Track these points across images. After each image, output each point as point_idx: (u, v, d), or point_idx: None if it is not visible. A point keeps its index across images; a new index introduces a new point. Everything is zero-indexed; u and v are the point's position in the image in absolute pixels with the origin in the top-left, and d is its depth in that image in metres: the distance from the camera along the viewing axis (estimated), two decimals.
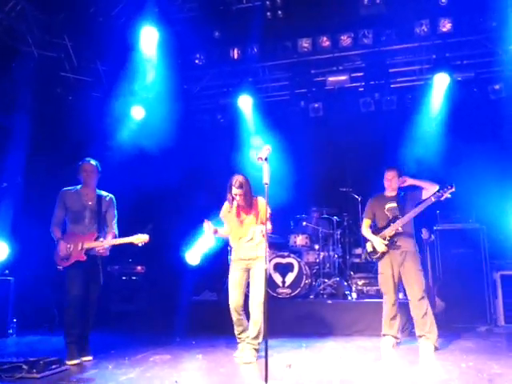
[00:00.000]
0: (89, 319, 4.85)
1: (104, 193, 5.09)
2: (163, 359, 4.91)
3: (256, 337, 4.75)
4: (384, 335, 5.41)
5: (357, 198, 7.60)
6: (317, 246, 7.54)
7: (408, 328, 5.95)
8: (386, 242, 5.33)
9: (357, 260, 7.82)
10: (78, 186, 4.98)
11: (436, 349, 5.09)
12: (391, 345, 5.33)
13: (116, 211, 5.07)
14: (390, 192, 5.56)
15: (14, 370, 4.17)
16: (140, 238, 4.75)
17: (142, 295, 7.55)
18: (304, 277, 6.90)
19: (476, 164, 6.96)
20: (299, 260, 7.08)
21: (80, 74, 7.84)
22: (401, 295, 5.92)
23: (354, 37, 7.46)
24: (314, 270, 7.46)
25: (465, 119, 7.62)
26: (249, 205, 4.87)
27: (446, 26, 7.11)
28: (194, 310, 6.73)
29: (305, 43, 7.61)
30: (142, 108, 8.16)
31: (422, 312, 5.17)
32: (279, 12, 7.10)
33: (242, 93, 8.30)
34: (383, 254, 5.37)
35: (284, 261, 7.06)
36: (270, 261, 7.00)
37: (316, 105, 8.38)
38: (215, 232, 4.94)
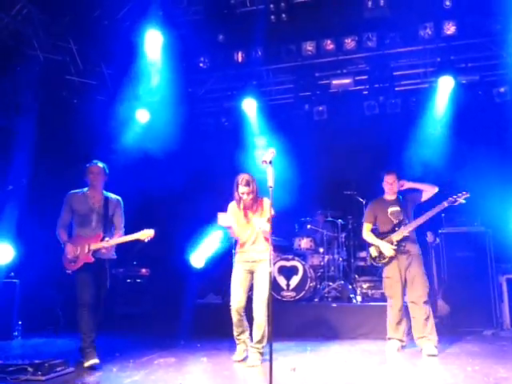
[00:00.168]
0: (95, 322, 4.79)
1: (111, 195, 5.05)
2: (168, 362, 4.91)
3: (260, 340, 4.74)
4: (389, 339, 5.40)
5: (361, 201, 7.59)
6: (321, 249, 7.52)
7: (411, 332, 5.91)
8: (395, 247, 5.31)
9: (361, 263, 7.79)
10: (85, 189, 4.95)
11: (437, 351, 5.08)
12: (396, 348, 5.31)
13: (123, 213, 5.03)
14: (391, 196, 5.55)
15: (20, 373, 4.19)
16: (146, 234, 4.73)
17: (146, 298, 7.56)
18: (309, 280, 6.89)
19: (481, 167, 6.95)
20: (304, 263, 7.06)
21: (85, 77, 7.86)
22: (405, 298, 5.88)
23: (358, 40, 7.46)
24: (319, 273, 7.45)
25: (469, 122, 7.61)
26: (255, 204, 4.85)
27: (450, 28, 7.09)
28: (198, 313, 6.73)
29: (309, 46, 7.61)
30: (146, 111, 8.19)
31: (426, 315, 5.18)
32: (283, 15, 7.10)
33: (246, 96, 8.30)
34: (391, 258, 5.34)
35: (288, 264, 7.04)
36: (274, 264, 6.99)
37: (320, 108, 8.38)
38: (229, 226, 4.86)
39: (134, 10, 7.27)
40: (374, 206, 5.61)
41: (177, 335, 6.28)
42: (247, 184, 4.74)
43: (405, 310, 5.43)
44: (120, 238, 4.82)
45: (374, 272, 7.61)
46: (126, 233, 4.97)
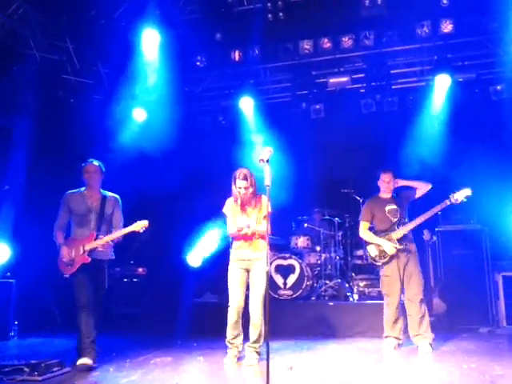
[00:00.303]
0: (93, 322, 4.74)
1: (109, 193, 4.98)
2: (164, 361, 4.91)
3: (257, 339, 4.73)
4: (386, 337, 5.41)
5: (358, 199, 7.60)
6: (318, 248, 7.53)
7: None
8: (397, 246, 5.30)
9: (358, 261, 7.81)
10: (82, 188, 4.88)
11: (432, 349, 5.11)
12: (393, 346, 5.33)
13: (121, 212, 4.96)
14: (387, 194, 5.55)
15: (16, 373, 4.19)
16: (140, 225, 4.65)
17: (143, 297, 7.55)
18: (305, 278, 6.90)
19: (478, 165, 6.95)
20: (301, 262, 7.08)
21: (82, 76, 7.85)
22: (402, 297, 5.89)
23: (355, 38, 7.46)
24: (316, 272, 7.46)
25: (466, 120, 7.61)
26: (253, 200, 4.80)
27: (447, 27, 7.09)
28: (195, 312, 6.74)
29: (306, 45, 7.61)
30: (143, 110, 8.18)
31: (422, 313, 5.21)
32: (280, 14, 7.10)
33: (243, 94, 8.29)
34: (391, 257, 5.35)
35: (285, 262, 7.06)
36: (271, 263, 7.00)
37: (317, 106, 8.38)
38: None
39: (131, 9, 7.25)
40: (371, 204, 5.60)
41: (174, 334, 6.28)
42: (245, 178, 4.69)
43: (401, 308, 5.44)
44: (113, 234, 4.73)
45: (370, 270, 7.61)
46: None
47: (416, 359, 4.94)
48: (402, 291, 5.43)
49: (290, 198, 7.33)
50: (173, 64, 7.71)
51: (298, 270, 6.95)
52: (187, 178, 8.32)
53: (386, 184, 5.50)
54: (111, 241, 4.75)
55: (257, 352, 4.76)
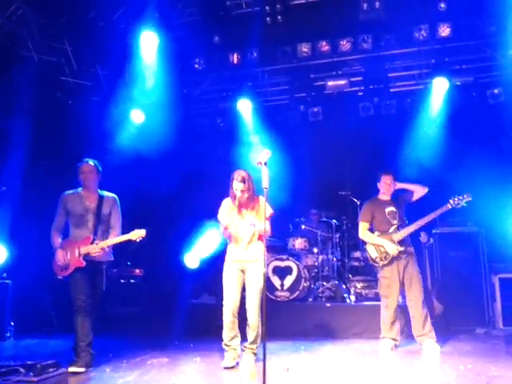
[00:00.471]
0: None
1: (107, 193, 4.90)
2: (161, 362, 4.91)
3: (254, 341, 4.70)
4: (383, 338, 5.41)
5: (356, 201, 7.61)
6: (315, 250, 7.54)
7: (406, 330, 5.93)
8: (400, 247, 5.31)
9: (355, 263, 7.81)
10: (79, 189, 4.82)
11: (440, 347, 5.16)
12: (390, 347, 5.33)
13: (120, 212, 4.89)
14: (386, 196, 5.57)
15: (11, 374, 4.14)
16: (137, 234, 4.59)
17: (140, 298, 7.54)
18: (303, 280, 6.91)
19: (475, 168, 6.98)
20: (298, 263, 7.08)
21: (80, 78, 7.86)
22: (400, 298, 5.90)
23: (354, 41, 7.49)
24: (313, 273, 7.46)
25: (464, 123, 7.64)
26: (251, 202, 4.77)
27: (445, 30, 7.13)
28: (192, 314, 6.71)
29: (304, 48, 7.63)
30: (141, 112, 8.19)
31: (425, 314, 5.25)
32: (279, 17, 7.11)
33: (241, 97, 8.31)
34: (392, 259, 5.34)
35: (283, 264, 7.06)
36: (268, 264, 7.00)
37: (315, 109, 8.40)
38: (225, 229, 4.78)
39: (130, 11, 7.27)
40: (371, 205, 5.61)
41: (170, 335, 6.26)
42: (243, 181, 4.67)
43: (398, 310, 5.44)
44: (109, 241, 4.66)
45: (367, 272, 7.63)
46: (122, 233, 4.84)
47: (413, 360, 4.94)
48: (400, 293, 5.44)
49: (287, 200, 7.34)
50: (171, 66, 7.74)
51: (295, 272, 6.96)
52: (185, 180, 8.33)
53: (387, 186, 5.51)
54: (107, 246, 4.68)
55: (253, 353, 4.75)
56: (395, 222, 5.41)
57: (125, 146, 7.58)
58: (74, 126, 7.33)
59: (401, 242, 5.35)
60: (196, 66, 8.09)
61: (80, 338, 4.57)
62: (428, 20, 7.18)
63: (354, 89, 8.33)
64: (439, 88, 7.76)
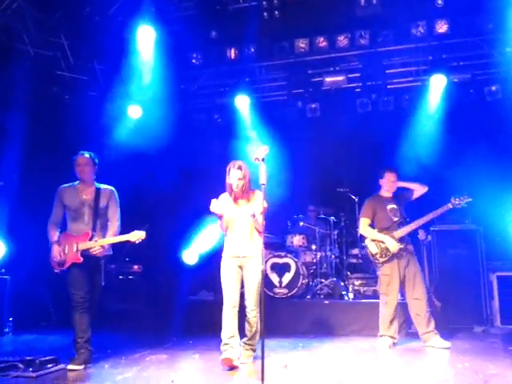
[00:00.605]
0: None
1: (104, 186, 4.80)
2: (160, 359, 4.90)
3: (253, 337, 4.67)
4: (381, 336, 5.42)
5: (354, 198, 7.62)
6: (314, 247, 7.54)
7: (404, 328, 5.97)
8: (400, 245, 5.32)
9: (354, 260, 7.83)
10: (76, 182, 4.75)
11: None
12: (388, 345, 5.34)
13: (118, 204, 4.79)
14: (388, 193, 5.57)
15: (10, 369, 4.17)
16: (136, 235, 4.51)
17: (138, 294, 7.52)
18: (301, 277, 6.91)
19: (472, 165, 6.99)
20: (296, 260, 7.08)
21: (76, 72, 7.82)
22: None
23: (351, 37, 7.49)
24: (311, 270, 7.47)
25: (461, 120, 7.65)
26: (247, 194, 4.68)
27: (442, 27, 7.14)
28: (190, 310, 6.72)
29: (302, 43, 7.62)
30: (138, 107, 8.15)
31: (428, 311, 5.29)
32: (276, 12, 7.11)
33: (238, 92, 8.28)
34: (392, 256, 5.35)
35: (281, 261, 7.06)
36: (266, 261, 7.00)
37: (313, 105, 8.38)
38: (220, 215, 4.66)
39: (126, 5, 7.24)
40: (373, 202, 5.60)
41: (169, 332, 6.26)
42: (239, 168, 4.59)
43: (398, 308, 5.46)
44: (108, 239, 4.59)
45: (366, 269, 7.65)
46: (121, 229, 4.78)
47: (411, 358, 4.96)
48: (399, 291, 5.44)
49: (285, 197, 7.34)
50: (168, 61, 7.71)
51: (293, 269, 6.96)
52: (182, 176, 8.31)
53: (391, 183, 5.52)
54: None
55: (252, 349, 4.72)
56: (396, 219, 5.42)
57: (122, 141, 7.56)
58: (71, 120, 7.29)
59: (401, 240, 5.36)
60: (193, 60, 8.07)
61: (78, 335, 4.53)
62: (425, 16, 7.19)
63: (351, 85, 8.31)
64: (437, 85, 7.76)
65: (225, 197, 4.80)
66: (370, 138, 7.93)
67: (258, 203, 4.54)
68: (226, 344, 4.55)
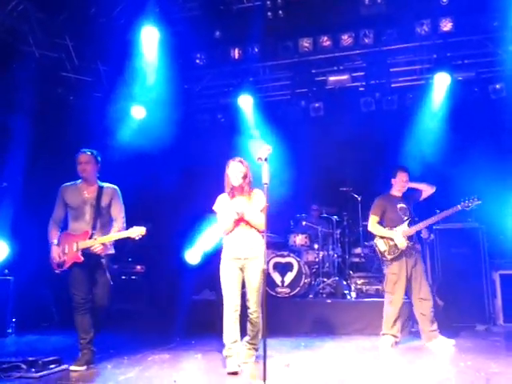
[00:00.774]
0: (95, 322, 4.63)
1: (107, 184, 4.77)
2: (162, 359, 4.93)
3: (255, 337, 4.65)
4: (384, 334, 5.42)
5: (356, 197, 7.61)
6: (316, 246, 7.53)
7: (407, 327, 5.95)
8: (408, 242, 5.33)
9: (356, 259, 7.82)
10: (78, 181, 4.73)
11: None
12: (390, 344, 5.34)
13: (121, 202, 4.75)
14: (398, 193, 5.59)
15: (13, 370, 4.20)
16: (136, 231, 4.42)
17: (141, 295, 7.56)
18: (303, 276, 6.91)
19: (476, 163, 6.97)
20: (298, 259, 7.08)
21: (81, 74, 7.86)
22: None
23: (355, 36, 7.46)
24: (314, 270, 7.46)
25: (465, 119, 7.61)
26: (247, 191, 4.60)
27: (446, 25, 7.10)
28: (193, 310, 6.74)
29: (305, 43, 7.60)
30: (142, 108, 8.19)
31: (432, 310, 5.31)
32: (280, 12, 7.10)
33: (242, 92, 8.29)
34: (400, 254, 5.34)
35: (283, 260, 7.06)
36: (269, 260, 7.00)
37: (317, 104, 8.38)
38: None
39: (130, 6, 7.26)
40: (383, 200, 5.61)
41: (171, 332, 6.27)
42: (240, 162, 4.56)
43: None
44: (108, 237, 4.54)
45: (368, 268, 7.64)
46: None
47: (413, 357, 4.95)
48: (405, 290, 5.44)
49: (288, 196, 7.34)
50: (172, 62, 7.72)
51: (295, 268, 6.96)
52: (186, 176, 8.32)
53: (403, 183, 5.54)
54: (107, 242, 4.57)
55: (254, 349, 4.71)
56: (406, 218, 5.44)
57: (126, 142, 7.58)
58: (75, 121, 7.33)
59: (410, 238, 5.38)
60: (197, 61, 8.08)
61: (80, 336, 4.55)
62: (430, 15, 7.15)
63: (355, 84, 8.30)
64: (441, 83, 7.73)
65: (224, 197, 4.73)
66: (374, 137, 7.92)
67: (255, 202, 4.54)
68: (230, 349, 4.47)
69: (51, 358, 4.43)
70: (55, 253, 4.55)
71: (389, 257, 5.39)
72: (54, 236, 4.64)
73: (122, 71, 7.69)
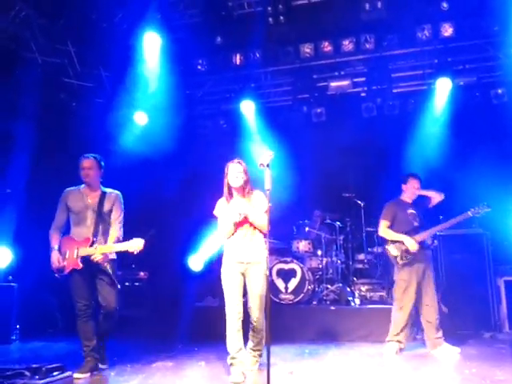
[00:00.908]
0: (106, 328, 4.62)
1: (110, 190, 4.75)
2: (166, 366, 4.91)
3: (258, 344, 4.59)
4: (389, 341, 5.39)
5: (359, 203, 7.60)
6: (320, 252, 7.52)
7: (412, 334, 5.92)
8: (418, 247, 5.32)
9: (360, 266, 7.80)
10: (82, 186, 4.72)
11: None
12: (395, 351, 5.31)
13: (122, 209, 4.71)
14: (408, 199, 5.58)
15: (17, 377, 4.18)
16: (133, 246, 4.35)
17: (144, 301, 7.54)
18: (307, 283, 6.89)
19: (479, 169, 6.96)
20: (302, 266, 7.06)
21: (83, 80, 7.89)
22: None
23: (356, 42, 7.49)
24: (317, 276, 7.44)
25: (467, 124, 7.61)
26: (246, 192, 4.52)
27: (447, 30, 7.13)
28: (196, 317, 6.71)
29: (307, 48, 7.63)
30: (144, 113, 8.20)
31: (438, 317, 5.31)
32: (281, 17, 7.13)
33: (244, 98, 8.31)
34: (413, 259, 5.32)
35: (287, 267, 7.05)
36: (272, 267, 6.99)
37: (318, 110, 8.39)
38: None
39: (132, 13, 7.29)
40: (394, 205, 5.60)
41: (175, 339, 6.26)
42: (238, 162, 4.51)
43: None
44: (107, 247, 4.47)
45: (372, 274, 7.62)
46: (125, 235, 4.71)
47: (418, 364, 4.92)
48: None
49: (290, 202, 7.34)
50: (174, 68, 7.75)
51: (299, 274, 6.94)
52: (188, 182, 8.32)
53: (414, 190, 5.54)
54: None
55: (259, 355, 4.64)
56: (416, 223, 5.44)
57: (128, 148, 7.58)
58: (78, 127, 7.35)
59: (421, 244, 5.36)
60: (199, 67, 8.12)
61: (84, 343, 4.55)
62: (430, 20, 7.18)
63: (356, 89, 8.32)
64: (442, 88, 7.74)
65: (223, 202, 4.64)
66: (376, 142, 7.92)
67: (257, 203, 4.48)
68: (234, 358, 4.41)
69: (55, 365, 4.40)
70: (55, 258, 4.52)
71: (400, 262, 5.37)
72: (55, 241, 4.61)
73: (124, 77, 7.71)
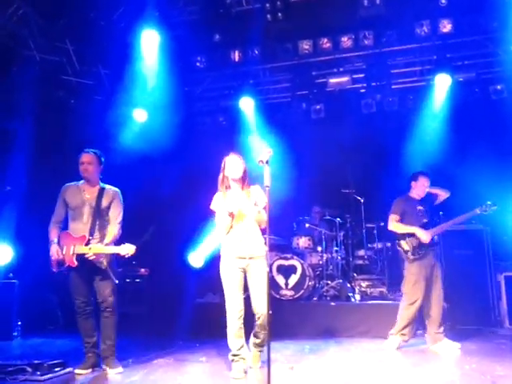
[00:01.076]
0: (108, 325, 4.57)
1: (109, 186, 4.71)
2: (167, 362, 4.92)
3: (263, 340, 4.48)
4: (391, 335, 5.40)
5: (359, 199, 7.61)
6: (320, 248, 7.53)
7: (413, 329, 5.92)
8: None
9: (360, 262, 7.81)
10: (80, 181, 4.69)
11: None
12: (396, 346, 5.33)
13: (121, 207, 4.68)
14: (417, 196, 5.60)
15: (18, 373, 4.21)
16: (125, 249, 4.37)
17: (145, 298, 7.54)
18: (307, 279, 6.90)
19: (479, 165, 6.96)
20: (302, 262, 7.07)
21: (82, 77, 7.87)
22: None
23: (355, 38, 7.47)
24: (317, 272, 7.45)
25: (466, 120, 7.61)
26: (247, 185, 4.51)
27: (446, 26, 7.11)
28: (197, 313, 6.73)
29: (305, 45, 7.62)
30: (143, 111, 8.19)
31: (441, 313, 5.34)
32: (279, 14, 7.10)
33: (243, 95, 8.30)
34: (424, 254, 5.33)
35: (287, 263, 7.06)
36: (272, 263, 7.00)
37: (317, 106, 8.38)
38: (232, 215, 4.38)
39: (130, 10, 7.28)
40: (403, 200, 5.62)
41: (176, 335, 6.26)
42: (237, 155, 4.53)
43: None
44: (101, 249, 4.43)
45: (372, 270, 7.63)
46: (123, 233, 4.70)
47: (418, 359, 4.94)
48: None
49: (290, 198, 7.33)
50: (172, 65, 7.73)
51: (299, 271, 6.95)
52: (187, 178, 8.30)
53: (423, 188, 5.56)
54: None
55: (260, 351, 4.61)
56: (425, 220, 5.46)
57: (127, 145, 7.57)
58: (77, 124, 7.32)
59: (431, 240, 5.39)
60: (197, 64, 8.09)
61: (84, 340, 4.56)
62: (429, 16, 7.16)
63: (355, 86, 8.30)
64: (441, 84, 7.74)
65: (220, 196, 4.59)
66: (375, 138, 7.92)
67: (256, 198, 4.44)
68: (236, 355, 4.38)
69: (56, 362, 4.44)
70: (54, 250, 4.49)
71: (411, 257, 5.36)
72: (54, 235, 4.59)
73: (122, 75, 7.69)
